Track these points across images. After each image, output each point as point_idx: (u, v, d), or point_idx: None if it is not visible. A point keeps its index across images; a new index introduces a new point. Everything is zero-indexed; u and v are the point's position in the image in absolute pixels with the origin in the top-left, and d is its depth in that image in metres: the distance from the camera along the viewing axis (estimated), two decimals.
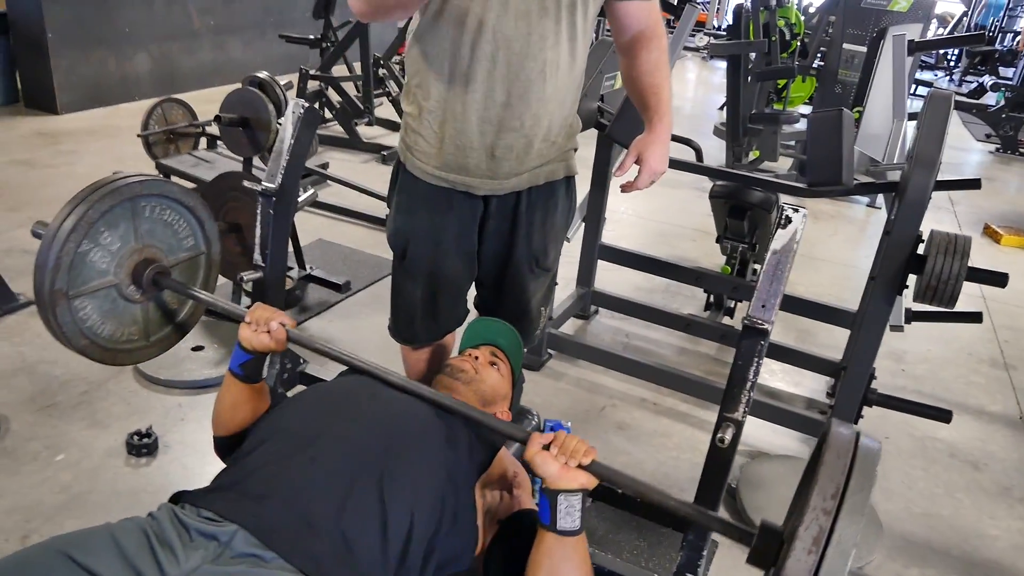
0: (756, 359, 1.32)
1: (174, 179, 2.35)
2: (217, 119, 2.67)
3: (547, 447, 1.15)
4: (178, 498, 1.16)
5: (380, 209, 3.54)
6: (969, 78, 11.07)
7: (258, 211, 1.71)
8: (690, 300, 3.43)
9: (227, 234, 2.74)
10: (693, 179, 4.77)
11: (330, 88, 5.02)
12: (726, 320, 3.11)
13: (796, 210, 1.34)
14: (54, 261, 1.39)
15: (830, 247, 4.38)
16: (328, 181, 4.17)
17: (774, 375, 2.91)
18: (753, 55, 4.99)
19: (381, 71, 5.31)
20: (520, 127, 1.49)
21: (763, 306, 1.32)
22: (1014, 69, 9.76)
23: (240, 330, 1.39)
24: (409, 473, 1.17)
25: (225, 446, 1.41)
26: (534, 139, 1.53)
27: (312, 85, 4.95)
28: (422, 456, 1.21)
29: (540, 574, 1.14)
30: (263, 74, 2.80)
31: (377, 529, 1.10)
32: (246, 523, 1.07)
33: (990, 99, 8.13)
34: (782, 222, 1.34)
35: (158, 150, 3.30)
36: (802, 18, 7.09)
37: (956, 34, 11.19)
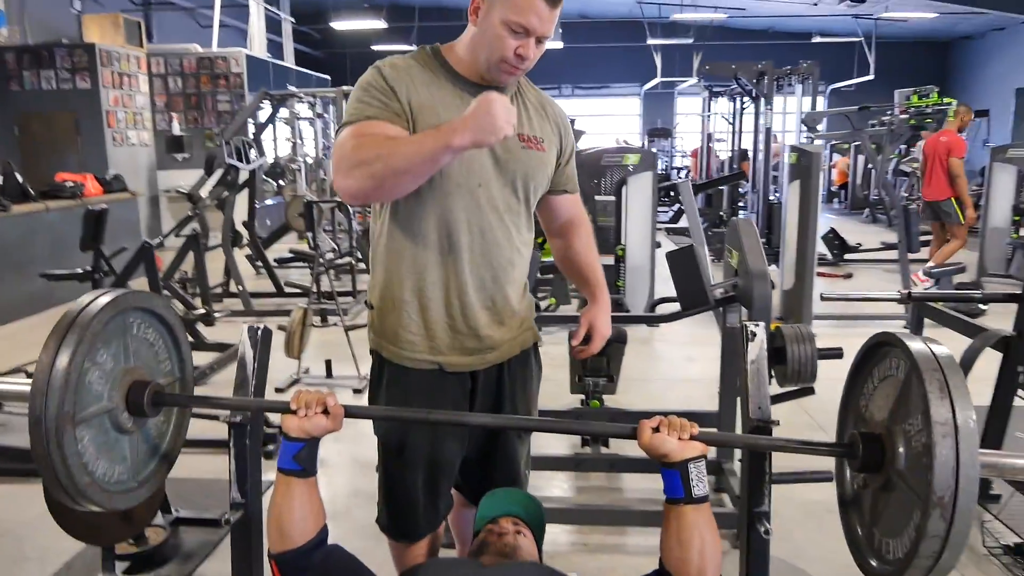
0: (767, 460, 1.53)
1: None
2: None
3: (656, 430, 1.29)
4: None
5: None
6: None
7: (230, 446, 1.61)
8: (560, 439, 3.61)
9: None
10: None
11: None
12: (604, 450, 3.34)
13: (756, 326, 1.63)
14: (63, 379, 1.22)
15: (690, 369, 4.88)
16: None
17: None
18: None
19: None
20: (498, 306, 1.65)
21: (759, 407, 1.55)
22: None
23: (286, 421, 1.35)
24: None
25: (292, 562, 1.32)
26: (510, 316, 1.69)
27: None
28: None
29: (691, 551, 1.22)
30: None
31: None
32: None
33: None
34: (748, 337, 1.61)
35: None
36: None
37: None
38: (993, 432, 2.93)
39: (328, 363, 4.52)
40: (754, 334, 1.61)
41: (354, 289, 6.10)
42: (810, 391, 2.96)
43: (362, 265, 6.41)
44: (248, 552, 1.62)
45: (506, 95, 1.59)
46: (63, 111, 8.84)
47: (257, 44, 11.32)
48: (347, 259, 5.16)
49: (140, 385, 1.41)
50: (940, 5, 12.55)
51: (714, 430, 1.36)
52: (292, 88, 9.48)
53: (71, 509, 2.42)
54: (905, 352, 1.24)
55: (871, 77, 15.81)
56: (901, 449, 1.23)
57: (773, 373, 2.52)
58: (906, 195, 9.60)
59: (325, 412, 1.35)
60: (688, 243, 2.48)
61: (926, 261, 6.59)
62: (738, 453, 3.08)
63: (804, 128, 6.77)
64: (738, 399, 3.10)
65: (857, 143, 11.58)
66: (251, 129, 7.55)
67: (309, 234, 6.33)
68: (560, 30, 12.36)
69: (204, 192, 5.98)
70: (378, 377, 1.70)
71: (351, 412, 1.39)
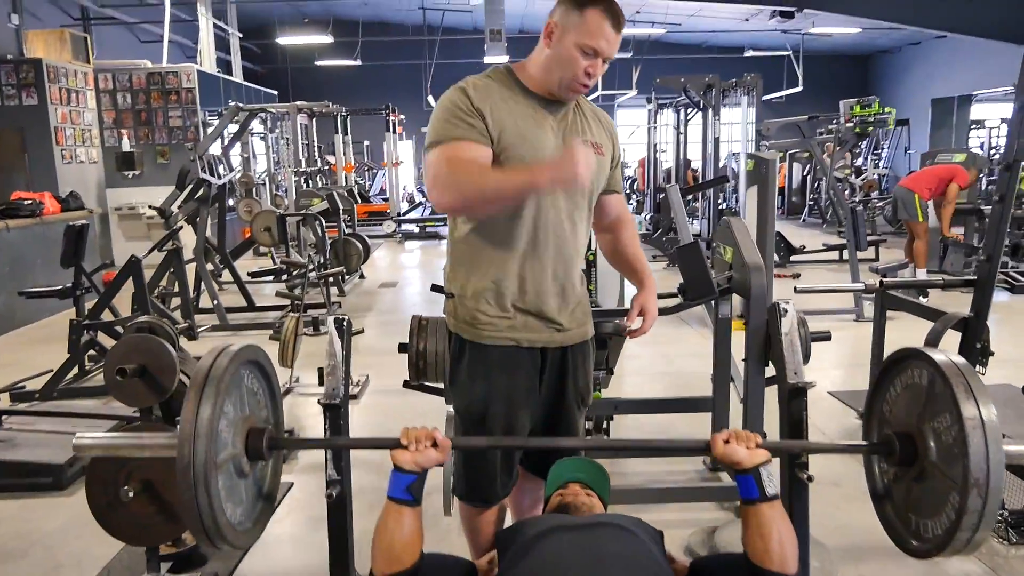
0: (805, 412, 1.76)
1: None
2: (121, 372, 2.50)
3: (726, 442, 1.49)
4: None
5: None
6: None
7: (326, 428, 1.76)
8: None
9: (139, 495, 2.52)
10: None
11: (99, 334, 4.67)
12: (605, 438, 3.55)
13: (787, 303, 1.87)
14: (207, 428, 1.35)
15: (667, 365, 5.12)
16: None
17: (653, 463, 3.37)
18: None
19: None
20: (566, 292, 1.88)
21: (795, 372, 1.79)
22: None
23: (397, 456, 1.50)
24: None
25: None
26: (574, 301, 1.92)
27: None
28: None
29: (772, 543, 1.42)
30: (147, 317, 2.70)
31: None
32: None
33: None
34: (780, 314, 1.86)
35: None
36: None
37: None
38: None
39: (321, 371, 4.62)
40: (785, 310, 1.86)
41: (327, 300, 6.18)
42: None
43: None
44: (344, 520, 1.79)
45: (569, 107, 1.81)
46: (10, 129, 8.63)
47: (207, 59, 11.25)
48: (339, 268, 5.25)
49: (256, 432, 1.54)
50: (863, 21, 13.35)
51: (771, 440, 1.59)
52: (249, 104, 9.47)
53: (116, 511, 2.51)
54: (929, 362, 1.48)
55: (800, 88, 16.64)
56: (932, 443, 1.46)
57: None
58: (857, 199, 10.22)
59: (434, 445, 1.51)
60: (691, 240, 2.73)
61: (873, 260, 7.08)
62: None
63: (755, 137, 7.18)
64: (731, 384, 3.38)
65: (793, 151, 12.24)
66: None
67: (283, 246, 6.42)
68: (505, 43, 12.53)
69: (176, 207, 5.99)
70: (458, 356, 1.90)
71: (457, 443, 1.56)
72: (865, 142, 10.02)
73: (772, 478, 1.48)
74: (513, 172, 1.69)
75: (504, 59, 14.41)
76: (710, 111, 8.17)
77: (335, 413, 1.75)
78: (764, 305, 2.77)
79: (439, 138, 1.73)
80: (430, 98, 17.79)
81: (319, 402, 1.76)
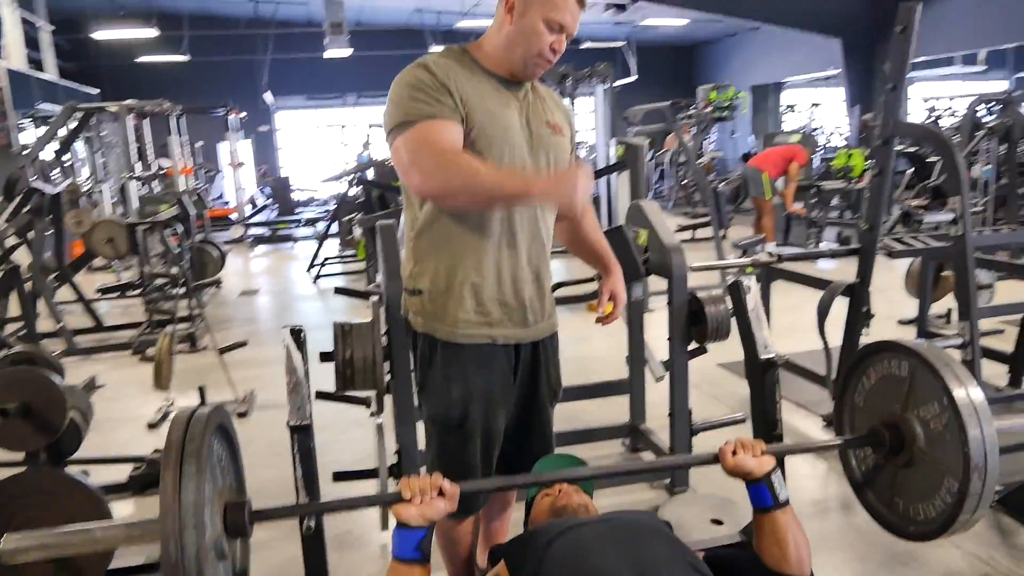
0: (777, 385, 1.80)
1: None
2: (1, 412, 2.13)
3: (734, 453, 1.48)
4: None
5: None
6: None
7: (294, 450, 1.59)
8: None
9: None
10: None
11: None
12: None
13: (749, 279, 1.91)
14: (192, 515, 1.14)
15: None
16: None
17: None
18: None
19: None
20: (541, 278, 1.80)
21: (765, 346, 1.83)
22: None
23: (401, 512, 1.34)
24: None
25: None
26: (547, 288, 1.84)
27: None
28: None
29: (789, 548, 1.42)
30: (22, 347, 2.32)
31: None
32: None
33: None
34: (744, 291, 1.89)
35: None
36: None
37: None
38: (846, 360, 3.51)
39: (202, 389, 4.25)
40: (749, 287, 1.89)
41: (194, 313, 5.71)
42: (703, 351, 3.36)
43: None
44: (321, 554, 1.63)
45: (527, 87, 1.73)
46: None
47: (16, 55, 10.04)
48: (216, 277, 4.83)
49: (235, 507, 1.34)
50: (690, 12, 14.15)
51: (781, 443, 1.60)
52: (66, 103, 8.56)
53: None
54: (909, 353, 1.53)
55: (635, 78, 17.41)
56: (920, 431, 1.51)
57: (693, 333, 2.86)
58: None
59: (440, 493, 1.36)
60: (617, 225, 2.74)
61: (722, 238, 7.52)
62: (651, 414, 3.41)
63: (614, 125, 7.41)
64: (645, 366, 3.43)
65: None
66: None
67: (133, 258, 5.83)
68: (348, 36, 12.13)
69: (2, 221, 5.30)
70: (428, 359, 1.77)
71: (466, 489, 1.41)
72: (715, 126, 10.63)
73: (782, 484, 1.47)
74: (508, 176, 1.61)
75: (348, 52, 13.98)
76: (568, 100, 8.31)
77: (304, 436, 1.59)
78: (685, 284, 2.83)
79: (407, 118, 1.59)
80: (267, 95, 16.94)
81: (288, 424, 1.58)
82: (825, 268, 6.93)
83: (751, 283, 1.89)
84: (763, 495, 1.46)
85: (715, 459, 1.50)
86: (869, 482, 1.68)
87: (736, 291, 1.92)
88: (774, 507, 1.45)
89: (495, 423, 1.80)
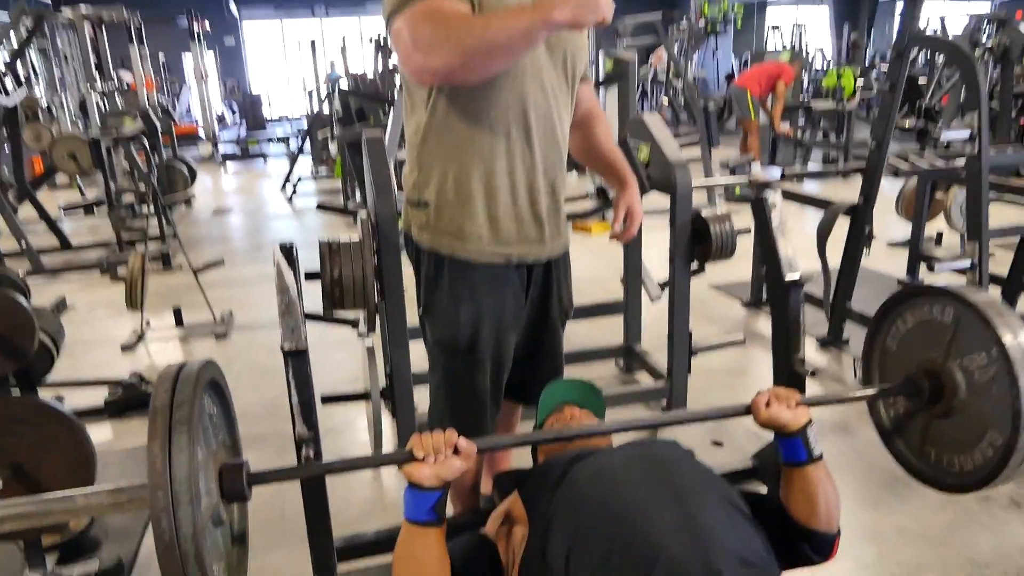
0: (801, 307, 1.70)
1: None
2: None
3: (767, 405, 1.37)
4: None
5: None
6: None
7: (289, 376, 1.46)
8: None
9: (9, 482, 2.07)
10: None
11: None
12: None
13: (775, 194, 1.78)
14: (187, 489, 1.02)
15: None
16: None
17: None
18: None
19: None
20: (556, 189, 1.65)
21: (790, 266, 1.72)
22: None
23: (414, 472, 1.22)
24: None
25: None
26: (562, 199, 1.69)
27: None
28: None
29: (819, 504, 1.32)
30: None
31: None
32: None
33: None
34: (770, 208, 1.77)
35: None
36: None
37: None
38: (845, 282, 3.45)
39: (177, 311, 4.09)
40: (774, 204, 1.76)
41: (164, 231, 5.48)
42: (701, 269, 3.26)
43: None
44: (321, 492, 1.53)
45: None
46: None
47: None
48: (187, 194, 4.59)
49: (231, 470, 1.20)
50: None
51: (809, 395, 1.44)
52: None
53: None
54: (956, 299, 1.42)
55: None
56: (962, 381, 1.41)
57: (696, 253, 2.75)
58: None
59: (455, 451, 1.24)
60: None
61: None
62: (647, 336, 3.34)
63: (602, 36, 7.11)
64: (642, 287, 3.34)
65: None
66: None
67: (98, 174, 5.56)
68: None
69: None
70: (435, 277, 1.63)
71: (483, 446, 1.28)
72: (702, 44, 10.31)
73: (816, 437, 1.36)
74: (518, 11, 1.33)
75: None
76: None
77: (299, 361, 1.45)
78: (690, 202, 2.70)
79: None
80: (232, 5, 16.10)
81: (282, 349, 1.44)
82: (810, 190, 6.84)
83: (776, 199, 1.77)
84: (797, 449, 1.36)
85: (747, 411, 1.39)
86: (898, 429, 1.60)
87: (760, 207, 1.79)
88: (807, 462, 1.35)
89: (505, 347, 1.69)
